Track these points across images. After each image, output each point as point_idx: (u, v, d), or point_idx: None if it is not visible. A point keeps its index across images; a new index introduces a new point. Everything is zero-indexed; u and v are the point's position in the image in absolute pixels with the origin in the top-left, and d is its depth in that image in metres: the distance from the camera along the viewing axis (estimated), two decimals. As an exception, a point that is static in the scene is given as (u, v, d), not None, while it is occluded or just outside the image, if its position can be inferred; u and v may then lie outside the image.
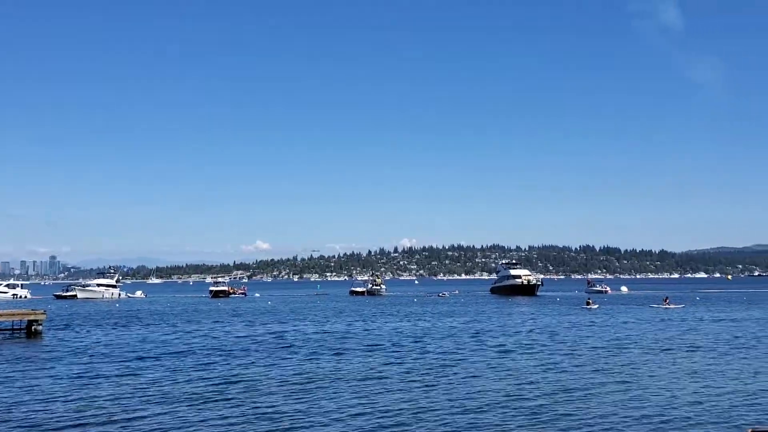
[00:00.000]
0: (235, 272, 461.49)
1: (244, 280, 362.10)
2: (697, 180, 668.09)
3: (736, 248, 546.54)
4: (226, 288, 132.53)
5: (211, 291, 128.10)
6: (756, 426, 4.31)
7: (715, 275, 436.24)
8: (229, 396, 21.81)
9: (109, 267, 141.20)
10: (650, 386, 23.09)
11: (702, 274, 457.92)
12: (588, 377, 25.11)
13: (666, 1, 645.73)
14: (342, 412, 19.22)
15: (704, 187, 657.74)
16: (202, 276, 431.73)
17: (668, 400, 20.67)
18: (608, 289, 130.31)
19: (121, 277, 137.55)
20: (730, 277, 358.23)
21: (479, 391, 22.34)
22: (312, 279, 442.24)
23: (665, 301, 77.83)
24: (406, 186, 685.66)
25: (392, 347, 36.05)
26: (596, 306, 74.54)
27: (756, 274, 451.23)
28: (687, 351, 33.40)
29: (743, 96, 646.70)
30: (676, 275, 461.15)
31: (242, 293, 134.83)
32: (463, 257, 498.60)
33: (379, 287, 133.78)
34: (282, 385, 23.72)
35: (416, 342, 38.82)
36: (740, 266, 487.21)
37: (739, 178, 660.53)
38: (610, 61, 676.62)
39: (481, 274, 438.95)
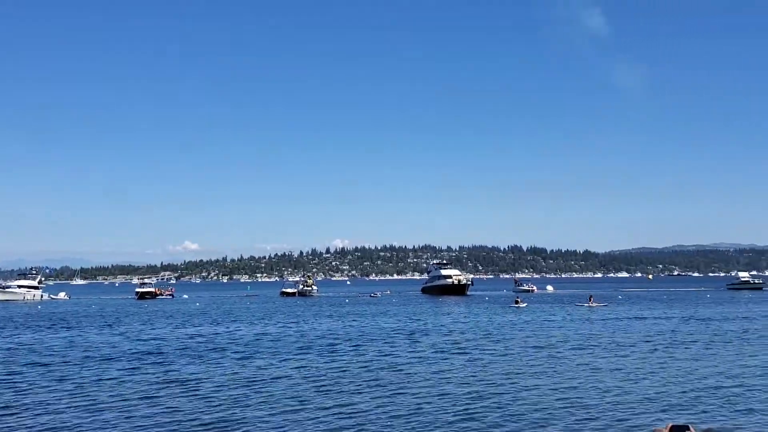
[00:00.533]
0: (162, 273, 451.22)
1: (172, 281, 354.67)
2: (621, 182, 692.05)
3: (656, 249, 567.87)
4: (152, 289, 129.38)
5: (137, 292, 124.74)
6: (676, 421, 4.47)
7: (636, 275, 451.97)
8: (160, 401, 21.21)
9: (31, 268, 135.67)
10: (575, 384, 23.61)
11: (624, 274, 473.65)
12: (516, 375, 25.53)
13: (590, 7, 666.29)
14: (273, 416, 18.93)
15: (627, 189, 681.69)
16: (129, 277, 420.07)
17: (591, 396, 21.18)
18: (534, 288, 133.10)
19: (43, 278, 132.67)
20: (650, 276, 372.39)
21: (414, 392, 22.34)
22: (242, 280, 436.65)
23: (590, 300, 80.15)
24: (337, 186, 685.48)
25: (324, 348, 35.73)
26: (525, 305, 76.10)
27: (675, 273, 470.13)
28: (611, 349, 34.25)
29: (663, 99, 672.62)
30: (599, 274, 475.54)
31: (170, 294, 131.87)
32: (395, 258, 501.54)
33: (310, 288, 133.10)
34: (214, 389, 23.23)
35: (349, 342, 38.71)
36: (660, 266, 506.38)
37: (659, 180, 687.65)
38: (532, 63, 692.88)
39: (413, 275, 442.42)
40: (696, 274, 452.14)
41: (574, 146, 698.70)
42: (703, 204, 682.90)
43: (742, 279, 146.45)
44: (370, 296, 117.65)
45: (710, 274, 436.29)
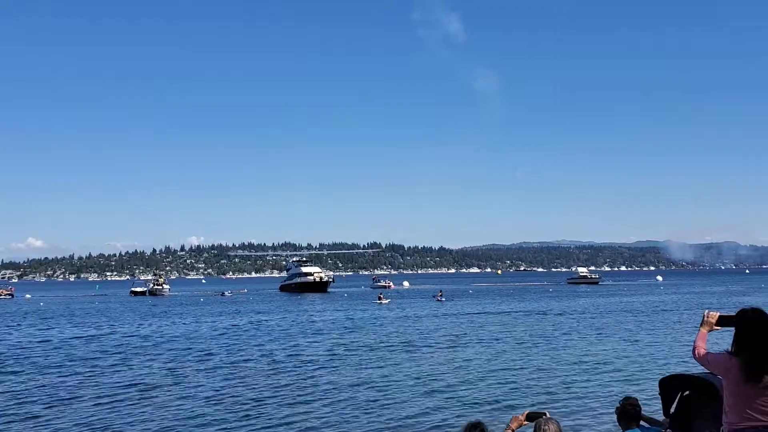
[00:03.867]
0: (3, 272, 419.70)
1: (13, 280, 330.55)
2: (473, 182, 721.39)
3: (504, 245, 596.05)
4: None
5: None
6: (533, 409, 5.22)
7: (486, 270, 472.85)
8: None
9: None
10: (412, 378, 24.92)
11: (475, 269, 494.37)
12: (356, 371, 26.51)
13: (449, 13, 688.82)
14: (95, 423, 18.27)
15: (479, 189, 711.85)
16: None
17: (406, 390, 22.00)
18: (391, 284, 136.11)
19: None
20: (499, 271, 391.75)
21: (272, 395, 22.45)
22: (90, 279, 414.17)
23: (439, 294, 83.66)
24: (194, 182, 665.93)
25: (166, 350, 34.62)
26: (387, 301, 78.06)
27: (522, 268, 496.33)
28: (442, 343, 35.25)
29: (517, 105, 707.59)
30: (453, 270, 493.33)
31: (9, 294, 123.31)
32: (253, 255, 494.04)
33: (161, 287, 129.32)
34: (46, 394, 22.31)
35: (190, 342, 37.97)
36: (508, 261, 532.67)
37: (508, 181, 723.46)
38: (396, 67, 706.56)
39: (272, 272, 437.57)
40: (540, 270, 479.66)
41: (430, 147, 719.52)
42: (548, 204, 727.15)
43: (581, 274, 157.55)
44: (221, 295, 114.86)
45: (553, 269, 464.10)
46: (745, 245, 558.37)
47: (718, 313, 5.39)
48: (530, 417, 6.06)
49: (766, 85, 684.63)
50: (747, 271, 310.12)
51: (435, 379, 23.81)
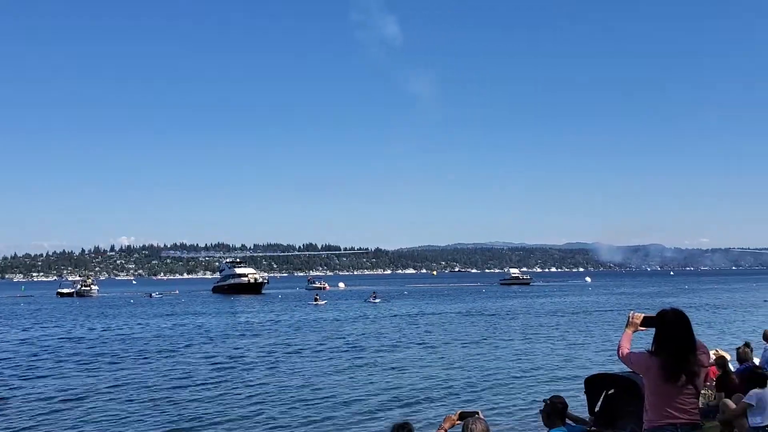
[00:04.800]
0: None
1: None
2: (409, 183, 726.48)
3: (440, 246, 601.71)
4: None
5: None
6: (464, 408, 5.28)
7: (422, 271, 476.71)
8: None
9: None
10: (341, 381, 25.00)
11: (411, 270, 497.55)
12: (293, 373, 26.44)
13: (386, 15, 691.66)
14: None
15: (413, 190, 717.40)
16: None
17: (343, 391, 22.30)
18: (326, 285, 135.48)
19: None
20: (434, 272, 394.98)
21: (204, 397, 22.21)
22: (15, 279, 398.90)
23: (373, 296, 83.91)
24: (124, 180, 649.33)
25: (87, 354, 33.62)
26: (323, 303, 77.77)
27: (456, 269, 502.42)
28: (375, 347, 35.26)
29: (453, 106, 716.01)
30: (389, 271, 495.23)
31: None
32: (186, 256, 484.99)
33: (89, 288, 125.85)
34: None
35: (123, 345, 37.12)
36: (443, 263, 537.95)
37: (442, 183, 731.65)
38: (332, 68, 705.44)
39: (205, 274, 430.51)
40: (474, 270, 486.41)
41: (367, 148, 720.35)
42: (481, 206, 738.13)
43: (513, 275, 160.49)
44: (150, 296, 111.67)
45: (486, 270, 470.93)
46: (670, 248, 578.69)
47: (643, 314, 5.54)
48: (462, 416, 6.13)
49: (698, 87, 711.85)
50: (671, 273, 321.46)
51: (369, 381, 23.87)
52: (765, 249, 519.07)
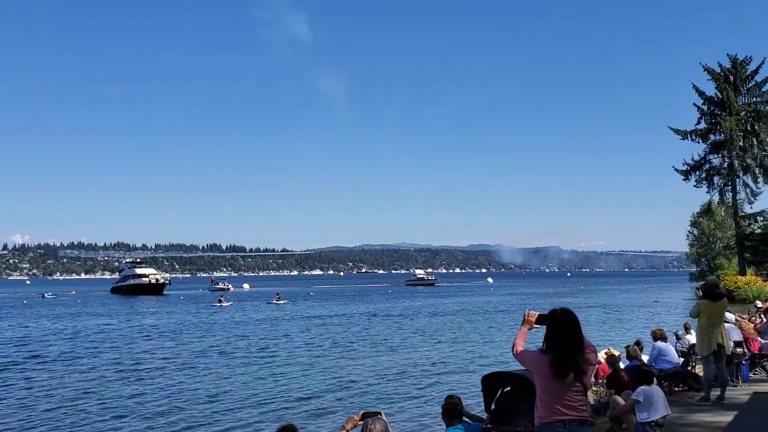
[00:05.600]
0: None
1: None
2: (317, 184, 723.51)
3: (347, 247, 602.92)
4: None
5: None
6: (366, 410, 5.29)
7: (329, 272, 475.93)
8: None
9: None
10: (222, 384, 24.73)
11: (318, 271, 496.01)
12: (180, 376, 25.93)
13: (296, 14, 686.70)
14: None
15: (321, 191, 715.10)
16: None
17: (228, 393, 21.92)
18: (230, 286, 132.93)
19: None
20: (342, 273, 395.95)
21: (100, 400, 21.43)
22: None
23: (277, 297, 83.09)
24: (18, 176, 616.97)
25: None
26: (228, 304, 76.24)
27: (363, 270, 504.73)
28: (284, 348, 35.61)
29: (363, 108, 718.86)
30: (295, 272, 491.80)
31: None
32: (83, 255, 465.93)
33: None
34: None
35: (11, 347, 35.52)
36: (351, 264, 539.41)
37: (351, 184, 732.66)
38: (240, 67, 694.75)
39: (103, 274, 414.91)
40: (381, 271, 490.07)
41: (275, 148, 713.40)
42: (389, 207, 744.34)
43: (418, 276, 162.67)
44: (41, 297, 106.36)
45: (393, 271, 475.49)
46: (568, 250, 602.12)
47: (537, 313, 5.69)
48: (365, 417, 6.13)
49: (597, 97, 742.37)
50: (568, 274, 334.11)
51: (273, 383, 23.57)
52: (656, 252, 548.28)
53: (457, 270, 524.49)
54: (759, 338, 15.15)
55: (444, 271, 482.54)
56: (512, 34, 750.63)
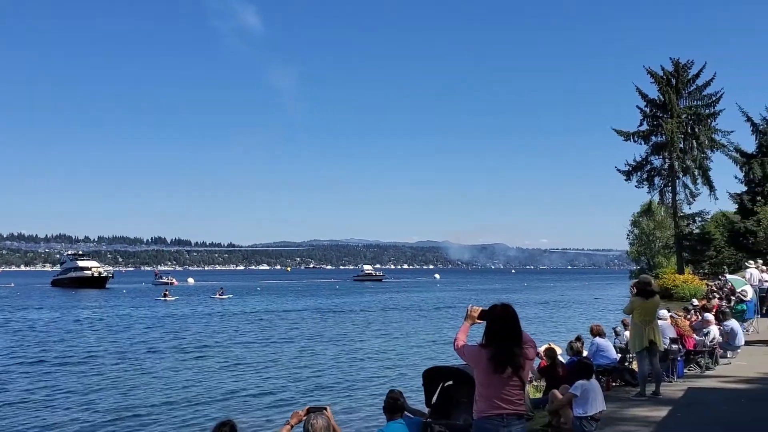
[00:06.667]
0: None
1: None
2: (266, 178, 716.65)
3: (295, 243, 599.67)
4: None
5: None
6: (312, 405, 5.26)
7: (276, 267, 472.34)
8: None
9: None
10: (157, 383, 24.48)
11: (265, 266, 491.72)
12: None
13: (245, 5, 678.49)
14: None
15: (270, 185, 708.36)
16: None
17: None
18: (174, 281, 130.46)
19: None
20: (289, 269, 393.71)
21: (38, 396, 20.87)
22: None
23: (220, 292, 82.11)
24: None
25: None
26: (173, 298, 74.96)
27: (311, 266, 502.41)
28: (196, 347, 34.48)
29: (314, 103, 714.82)
30: (242, 267, 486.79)
31: None
32: (24, 247, 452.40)
33: None
34: None
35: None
36: (298, 259, 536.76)
37: (301, 180, 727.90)
38: (189, 58, 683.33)
39: (44, 266, 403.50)
40: (329, 267, 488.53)
41: (223, 141, 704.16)
42: (338, 203, 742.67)
43: (366, 271, 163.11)
44: None
45: (341, 267, 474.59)
46: (513, 247, 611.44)
47: (480, 308, 5.74)
48: (310, 412, 6.13)
49: (544, 101, 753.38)
50: (513, 271, 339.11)
51: (214, 378, 23.33)
52: (598, 250, 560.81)
53: (406, 266, 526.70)
54: (694, 335, 15.58)
55: (392, 267, 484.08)
56: (458, 32, 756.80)
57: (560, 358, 12.56)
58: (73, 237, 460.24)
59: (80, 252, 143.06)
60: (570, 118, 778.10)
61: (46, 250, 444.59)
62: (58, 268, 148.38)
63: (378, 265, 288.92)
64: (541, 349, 12.18)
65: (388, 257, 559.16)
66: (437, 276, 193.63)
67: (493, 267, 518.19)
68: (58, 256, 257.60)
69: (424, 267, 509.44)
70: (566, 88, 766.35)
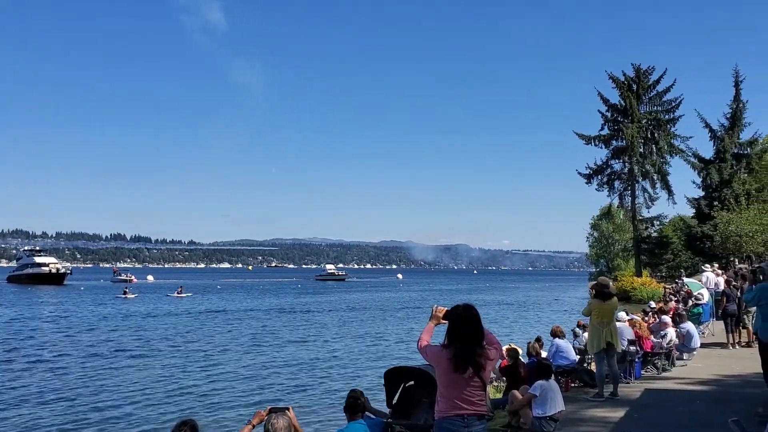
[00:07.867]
0: None
1: None
2: (228, 176, 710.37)
3: (257, 241, 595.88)
4: None
5: None
6: (274, 405, 5.24)
7: (237, 266, 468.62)
8: None
9: None
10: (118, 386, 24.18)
11: (226, 265, 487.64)
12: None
13: (210, 1, 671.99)
14: None
15: (233, 183, 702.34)
16: None
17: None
18: (133, 278, 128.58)
19: None
20: (250, 267, 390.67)
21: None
22: None
23: (179, 290, 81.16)
24: None
25: None
26: (133, 296, 73.81)
27: (273, 265, 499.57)
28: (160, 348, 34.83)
29: (279, 101, 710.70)
30: (202, 265, 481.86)
31: None
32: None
33: None
34: None
35: None
36: (260, 258, 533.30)
37: (263, 178, 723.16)
38: (155, 53, 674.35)
39: (0, 262, 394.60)
40: (291, 266, 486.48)
41: (185, 137, 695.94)
42: (301, 202, 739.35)
43: (329, 271, 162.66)
44: None
45: (304, 266, 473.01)
46: (476, 248, 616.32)
47: (445, 308, 5.75)
48: (272, 412, 6.10)
49: (508, 101, 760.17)
50: (475, 272, 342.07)
51: (175, 379, 23.02)
52: (558, 252, 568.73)
53: (369, 266, 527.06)
54: (652, 337, 15.84)
55: (355, 266, 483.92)
56: (421, 33, 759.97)
57: (521, 358, 12.66)
58: (31, 232, 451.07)
59: (37, 248, 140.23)
60: (533, 120, 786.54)
61: (3, 246, 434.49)
62: (14, 264, 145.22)
63: (341, 265, 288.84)
64: (503, 348, 12.26)
65: (351, 257, 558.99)
66: (400, 276, 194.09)
67: (456, 267, 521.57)
68: (14, 251, 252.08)
69: (388, 267, 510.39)
70: (529, 91, 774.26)
